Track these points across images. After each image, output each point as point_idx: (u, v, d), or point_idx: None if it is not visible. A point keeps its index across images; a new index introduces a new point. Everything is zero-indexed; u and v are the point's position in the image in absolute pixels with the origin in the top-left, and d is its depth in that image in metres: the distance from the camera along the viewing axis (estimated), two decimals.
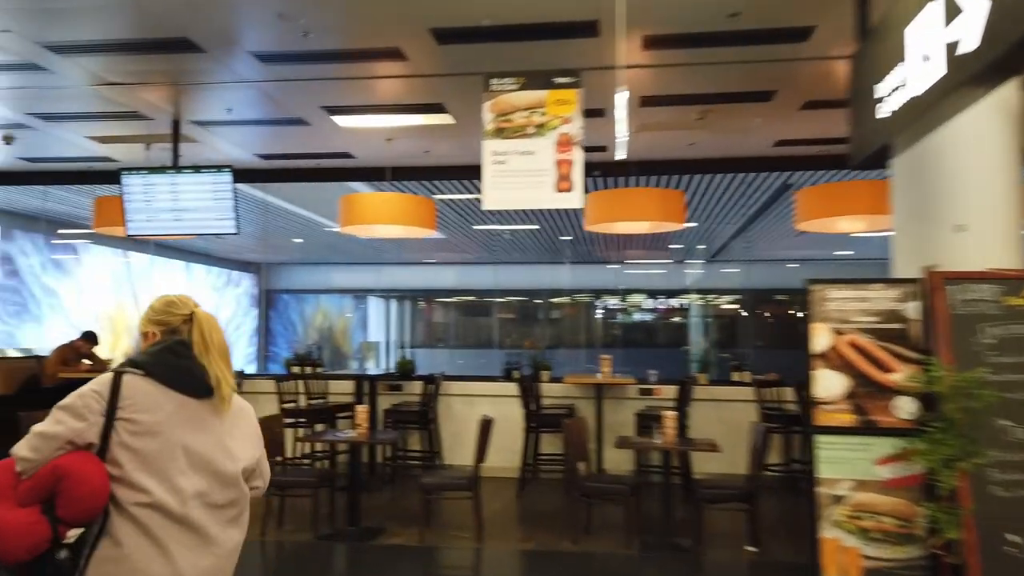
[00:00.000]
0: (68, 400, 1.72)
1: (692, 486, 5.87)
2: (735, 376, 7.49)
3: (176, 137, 6.52)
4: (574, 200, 4.41)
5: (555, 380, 7.49)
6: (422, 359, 8.10)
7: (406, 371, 7.72)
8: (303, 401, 7.45)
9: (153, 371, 1.76)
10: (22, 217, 10.97)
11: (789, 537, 5.37)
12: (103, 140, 6.98)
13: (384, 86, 5.69)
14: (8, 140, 6.86)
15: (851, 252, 14.42)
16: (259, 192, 9.76)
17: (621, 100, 4.11)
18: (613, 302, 19.48)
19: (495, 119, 4.42)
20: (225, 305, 16.92)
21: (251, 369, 16.61)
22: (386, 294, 20.27)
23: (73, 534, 1.68)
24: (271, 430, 5.35)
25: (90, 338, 7.45)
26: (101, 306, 12.58)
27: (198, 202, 6.29)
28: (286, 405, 7.27)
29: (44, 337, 10.83)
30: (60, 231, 11.65)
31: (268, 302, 18.88)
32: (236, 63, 5.12)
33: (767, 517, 5.48)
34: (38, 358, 7.52)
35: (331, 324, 20.60)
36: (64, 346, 7.38)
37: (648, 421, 6.37)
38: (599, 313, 19.39)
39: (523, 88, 4.41)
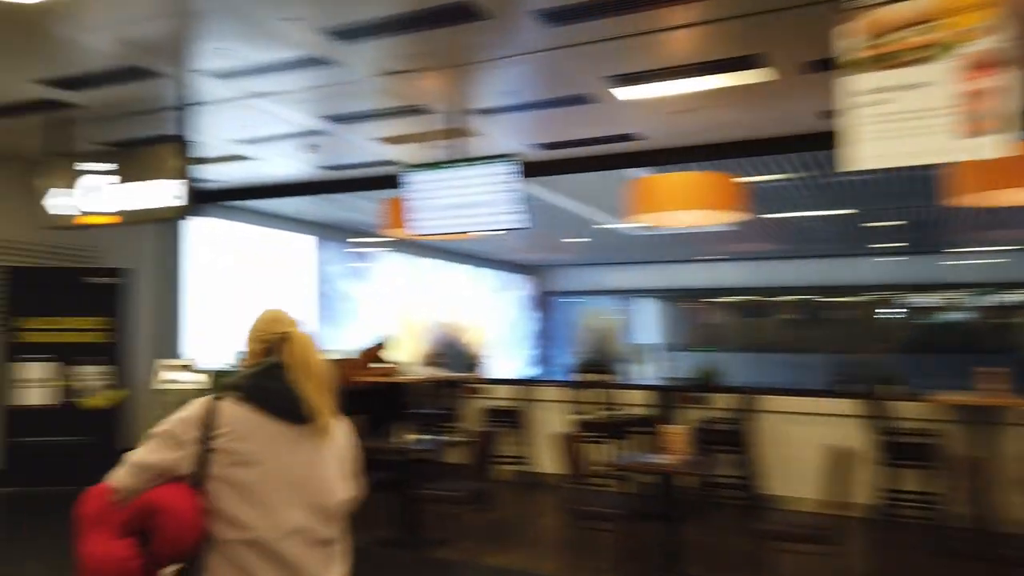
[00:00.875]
0: (163, 427, 1.64)
1: None
2: None
3: (456, 131, 6.14)
4: (989, 147, 3.04)
5: (911, 397, 5.88)
6: (696, 363, 6.96)
7: (710, 381, 6.63)
8: (594, 411, 6.71)
9: (250, 395, 1.65)
10: (327, 227, 11.75)
11: None
12: (389, 141, 6.86)
13: (684, 38, 4.68)
14: (314, 149, 7.00)
15: None
16: (536, 188, 9.31)
17: None
18: (930, 299, 16.51)
19: (865, 43, 3.21)
20: (505, 308, 17.13)
21: (531, 374, 16.60)
22: (659, 294, 19.23)
23: (169, 572, 1.59)
24: (569, 447, 4.62)
25: (379, 342, 7.45)
26: (394, 311, 13.18)
27: (482, 196, 5.81)
28: (577, 417, 6.58)
29: (346, 341, 11.49)
30: (352, 239, 12.34)
31: (545, 305, 18.85)
32: (520, 28, 4.45)
33: None
34: (336, 361, 7.69)
35: (604, 327, 20.06)
36: (360, 351, 7.46)
37: None
38: (907, 311, 16.55)
39: None
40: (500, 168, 5.75)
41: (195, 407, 1.63)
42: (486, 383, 7.77)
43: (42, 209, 6.00)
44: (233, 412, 1.61)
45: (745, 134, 6.50)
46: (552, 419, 7.08)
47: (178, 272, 9.04)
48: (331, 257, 11.98)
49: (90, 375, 7.05)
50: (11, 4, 4.03)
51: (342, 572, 1.69)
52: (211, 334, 9.13)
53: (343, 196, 9.36)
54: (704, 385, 6.58)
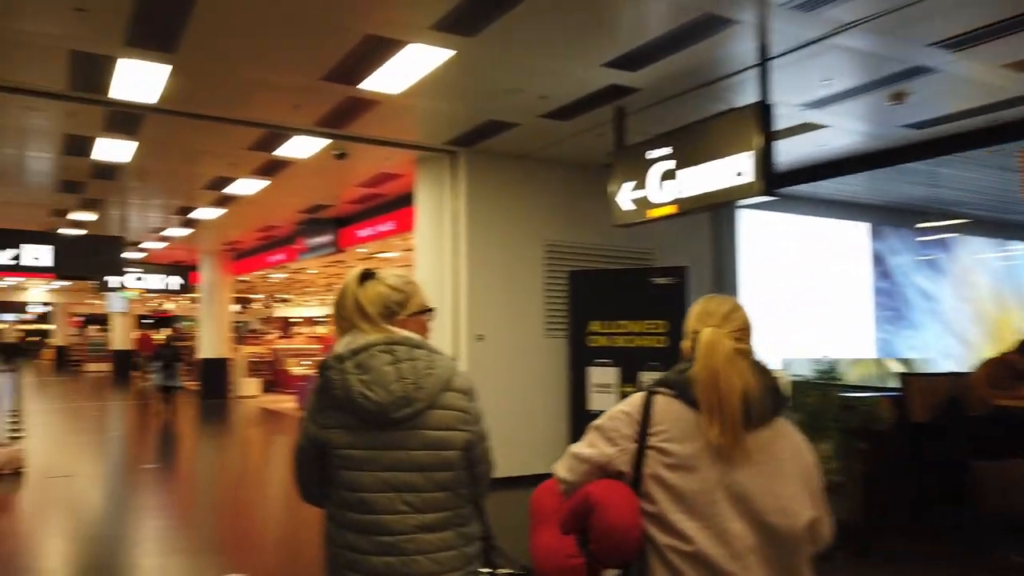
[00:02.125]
0: (601, 420, 1.55)
1: None
2: None
3: None
4: None
5: None
6: None
7: None
8: None
9: (682, 393, 1.48)
10: (886, 210, 9.72)
11: None
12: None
13: None
14: (900, 97, 5.39)
15: None
16: None
17: None
18: None
19: None
20: None
21: None
22: None
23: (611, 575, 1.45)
24: None
25: None
26: (981, 308, 10.39)
27: None
28: None
29: (924, 347, 9.32)
30: (920, 225, 9.95)
31: None
32: None
33: None
34: (957, 375, 5.73)
35: None
36: (992, 360, 5.39)
37: None
38: None
39: None
40: None
41: (632, 402, 1.52)
42: None
43: (616, 207, 5.65)
44: (669, 410, 1.47)
45: None
46: None
47: (732, 269, 8.24)
48: (893, 246, 9.90)
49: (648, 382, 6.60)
50: None
51: None
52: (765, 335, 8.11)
53: (915, 167, 7.40)
54: None
